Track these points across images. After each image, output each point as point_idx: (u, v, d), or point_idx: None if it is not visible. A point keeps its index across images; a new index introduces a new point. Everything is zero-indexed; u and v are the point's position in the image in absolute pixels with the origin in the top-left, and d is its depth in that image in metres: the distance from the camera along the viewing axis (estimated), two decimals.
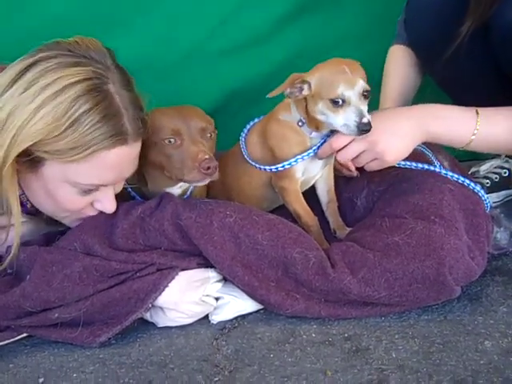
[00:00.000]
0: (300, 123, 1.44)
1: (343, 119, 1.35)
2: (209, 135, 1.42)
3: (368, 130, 1.33)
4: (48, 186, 1.31)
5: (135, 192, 1.53)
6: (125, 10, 2.04)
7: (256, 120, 1.58)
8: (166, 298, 1.31)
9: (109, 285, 1.31)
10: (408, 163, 1.52)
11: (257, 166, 1.50)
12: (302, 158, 1.44)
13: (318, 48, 2.07)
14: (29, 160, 1.26)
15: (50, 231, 1.44)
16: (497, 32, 1.50)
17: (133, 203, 1.43)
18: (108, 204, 1.36)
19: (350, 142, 1.40)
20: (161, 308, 1.33)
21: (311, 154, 1.45)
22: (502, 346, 1.19)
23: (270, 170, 1.47)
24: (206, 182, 1.39)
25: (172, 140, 1.38)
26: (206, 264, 1.36)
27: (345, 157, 1.42)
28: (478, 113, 1.42)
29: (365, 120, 1.33)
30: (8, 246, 1.34)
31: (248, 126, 1.57)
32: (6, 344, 1.33)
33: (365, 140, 1.39)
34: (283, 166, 1.45)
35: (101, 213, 1.40)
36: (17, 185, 1.29)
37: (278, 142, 1.47)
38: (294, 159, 1.44)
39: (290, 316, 1.32)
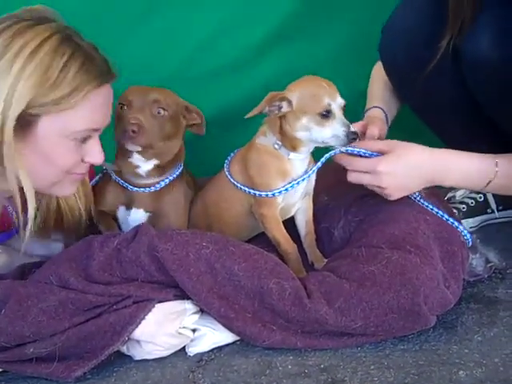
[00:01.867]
0: (276, 145, 1.45)
1: (331, 131, 1.38)
2: (159, 110, 1.49)
3: (355, 139, 1.37)
4: (43, 148, 1.29)
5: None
6: (109, 31, 2.05)
7: (237, 150, 1.59)
8: (142, 330, 1.30)
9: (85, 318, 1.30)
10: None
11: (247, 191, 1.49)
12: (291, 186, 1.46)
13: (299, 73, 2.08)
14: (20, 126, 1.25)
15: (25, 263, 1.43)
16: (467, 56, 1.53)
17: (108, 235, 1.43)
18: (97, 154, 1.37)
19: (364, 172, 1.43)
20: (137, 341, 1.32)
21: (297, 184, 1.47)
22: (475, 376, 1.20)
23: (260, 195, 1.47)
24: (129, 146, 1.49)
25: (124, 106, 1.50)
26: (183, 296, 1.36)
27: (354, 179, 1.45)
28: (496, 164, 1.43)
29: (352, 129, 1.38)
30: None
31: (231, 154, 1.58)
32: None
33: (377, 183, 1.42)
34: (273, 194, 1.46)
35: (76, 246, 1.40)
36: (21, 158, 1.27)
37: (257, 170, 1.48)
38: (283, 188, 1.46)
39: (266, 347, 1.32)
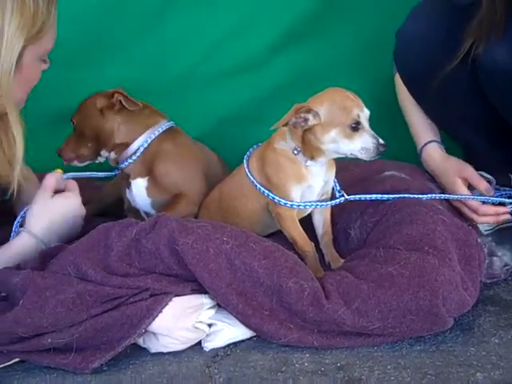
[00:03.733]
0: (295, 151, 1.45)
1: (361, 143, 1.38)
2: (72, 125, 1.69)
3: (384, 152, 1.37)
4: (24, 75, 1.39)
5: None
6: (117, 35, 2.06)
7: (256, 146, 1.59)
8: (159, 323, 1.30)
9: (102, 310, 1.30)
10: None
11: (265, 192, 1.49)
12: (311, 205, 1.48)
13: (309, 76, 2.09)
14: None
15: (45, 250, 1.43)
16: (487, 64, 1.52)
17: (125, 223, 1.42)
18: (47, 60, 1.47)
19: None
20: (154, 334, 1.33)
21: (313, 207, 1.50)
22: (493, 378, 1.19)
23: (279, 201, 1.47)
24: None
25: None
26: (200, 290, 1.36)
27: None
28: None
29: (381, 141, 1.37)
30: None
31: (251, 150, 1.58)
32: None
33: None
34: (291, 205, 1.47)
35: (92, 236, 1.40)
36: None
37: (274, 170, 1.48)
38: (303, 203, 1.47)
39: (283, 345, 1.32)
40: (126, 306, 1.31)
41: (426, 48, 1.64)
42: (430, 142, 1.73)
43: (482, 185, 1.60)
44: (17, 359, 1.31)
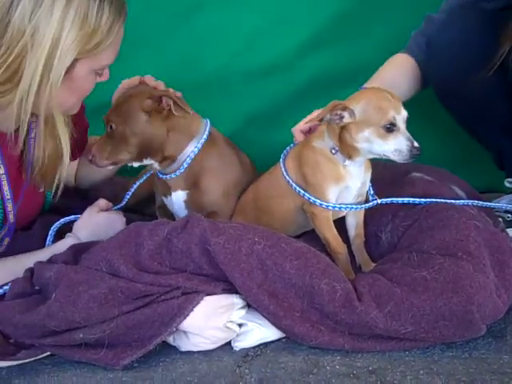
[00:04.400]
0: (333, 150, 1.45)
1: (394, 145, 1.37)
2: (108, 128, 1.54)
3: (418, 155, 1.35)
4: (74, 85, 1.39)
5: None
6: (150, 31, 2.07)
7: (292, 145, 1.58)
8: (190, 322, 1.31)
9: (134, 307, 1.31)
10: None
11: (301, 192, 1.49)
12: (346, 207, 1.48)
13: (339, 76, 2.10)
14: None
15: (76, 245, 1.44)
16: None
17: (157, 223, 1.43)
18: (107, 71, 1.47)
19: None
20: (184, 332, 1.33)
21: (354, 209, 1.49)
22: None
23: (314, 202, 1.47)
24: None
25: None
26: (231, 290, 1.36)
27: None
28: None
29: (416, 144, 1.36)
30: None
31: (288, 148, 1.58)
32: (28, 362, 1.32)
33: None
34: (327, 206, 1.46)
35: (124, 233, 1.41)
36: None
37: (311, 170, 1.47)
38: (338, 205, 1.47)
39: (313, 346, 1.32)
40: (157, 303, 1.31)
41: (461, 56, 1.64)
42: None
43: None
44: (48, 353, 1.32)
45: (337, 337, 1.30)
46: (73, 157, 1.60)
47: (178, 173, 1.59)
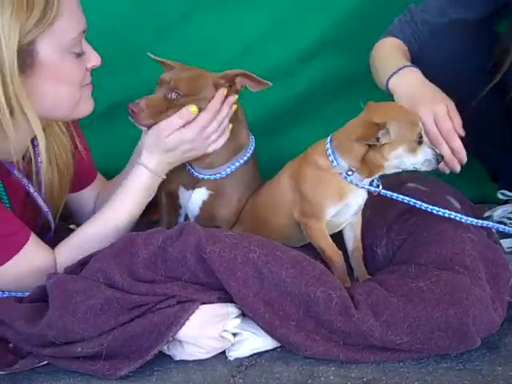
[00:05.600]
0: (349, 173, 1.42)
1: (423, 156, 1.40)
2: (173, 95, 1.47)
3: (441, 161, 1.41)
4: (52, 71, 1.32)
5: None
6: (142, 37, 2.05)
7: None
8: (186, 331, 1.30)
9: (129, 317, 1.30)
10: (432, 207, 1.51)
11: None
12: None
13: (342, 81, 2.08)
14: (22, 61, 1.27)
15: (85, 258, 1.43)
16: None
17: (151, 232, 1.42)
18: (96, 56, 1.40)
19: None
20: (179, 341, 1.32)
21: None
22: None
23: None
24: (136, 125, 1.48)
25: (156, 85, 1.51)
26: (227, 299, 1.35)
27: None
28: None
29: (438, 151, 1.41)
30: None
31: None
32: (22, 371, 1.31)
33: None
34: None
35: (119, 242, 1.41)
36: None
37: (311, 187, 1.46)
38: None
39: (307, 356, 1.32)
40: (153, 313, 1.31)
41: (455, 75, 1.63)
42: (406, 66, 1.62)
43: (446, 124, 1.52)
44: (45, 362, 1.31)
45: (331, 347, 1.30)
46: (83, 183, 1.60)
47: (213, 177, 1.57)
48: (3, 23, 1.23)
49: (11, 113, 1.27)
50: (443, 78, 1.60)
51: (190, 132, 1.47)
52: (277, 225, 1.54)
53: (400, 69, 1.62)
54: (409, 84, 1.57)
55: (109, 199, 1.50)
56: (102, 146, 1.87)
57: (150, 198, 1.53)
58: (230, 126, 1.54)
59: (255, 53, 2.07)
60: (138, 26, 2.05)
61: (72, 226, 1.72)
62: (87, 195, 1.72)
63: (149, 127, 1.49)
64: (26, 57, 1.28)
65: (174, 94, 1.47)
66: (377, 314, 1.29)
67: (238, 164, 1.57)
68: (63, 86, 1.35)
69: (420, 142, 1.40)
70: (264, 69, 2.07)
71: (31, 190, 1.46)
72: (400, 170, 1.44)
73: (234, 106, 1.53)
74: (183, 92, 1.47)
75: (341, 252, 1.49)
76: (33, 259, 1.40)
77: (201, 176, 1.58)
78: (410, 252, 1.45)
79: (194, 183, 1.60)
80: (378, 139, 1.37)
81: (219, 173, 1.57)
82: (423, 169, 1.42)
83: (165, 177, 1.52)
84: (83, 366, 1.28)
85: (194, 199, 1.61)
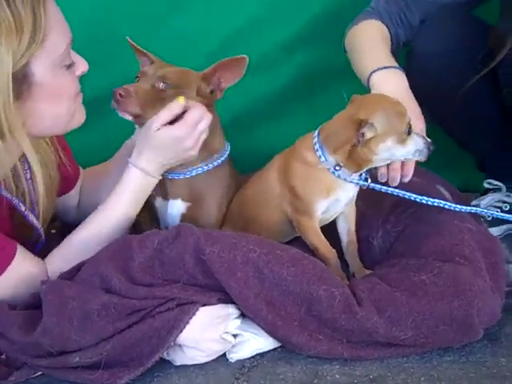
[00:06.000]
0: (337, 167, 1.40)
1: (413, 146, 1.36)
2: (162, 85, 1.43)
3: (433, 150, 1.37)
4: (47, 89, 1.28)
5: None
6: (125, 30, 1.97)
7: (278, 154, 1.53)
8: (186, 335, 1.27)
9: (128, 323, 1.26)
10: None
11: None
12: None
13: (324, 76, 2.06)
14: (18, 86, 1.23)
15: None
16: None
17: (147, 234, 1.38)
18: (83, 62, 1.36)
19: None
20: (179, 346, 1.29)
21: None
22: None
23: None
24: (119, 112, 1.42)
25: (136, 79, 1.47)
26: (226, 300, 1.32)
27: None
28: None
29: (429, 140, 1.37)
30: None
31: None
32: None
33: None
34: None
35: (114, 245, 1.36)
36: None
37: (300, 183, 1.43)
38: None
39: (311, 355, 1.30)
40: (152, 317, 1.27)
41: (449, 67, 1.61)
42: (392, 67, 1.54)
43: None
44: (39, 372, 1.26)
45: (335, 345, 1.28)
46: (68, 187, 1.56)
47: (182, 176, 1.51)
48: None
49: (2, 138, 1.23)
50: (434, 68, 1.59)
51: (179, 129, 1.42)
52: (266, 220, 1.51)
53: (385, 67, 1.55)
54: (390, 89, 1.48)
55: (101, 203, 1.45)
56: (84, 140, 1.82)
57: (144, 200, 1.49)
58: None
59: (239, 44, 2.01)
60: (122, 17, 2.00)
61: (53, 231, 1.67)
62: (72, 196, 1.69)
63: (135, 117, 1.43)
64: (22, 81, 1.24)
65: (162, 84, 1.42)
66: (380, 310, 1.27)
67: (210, 166, 1.53)
68: (60, 102, 1.32)
69: (409, 132, 1.37)
70: (255, 55, 2.04)
71: (22, 208, 1.40)
72: (389, 162, 1.41)
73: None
74: (172, 82, 1.43)
75: (334, 250, 1.47)
76: (23, 272, 1.35)
77: (170, 176, 1.52)
78: (408, 244, 1.44)
79: (166, 191, 1.54)
80: (363, 134, 1.34)
81: (189, 171, 1.51)
82: (415, 159, 1.39)
83: (160, 177, 1.47)
84: (81, 375, 1.24)
85: (172, 213, 1.56)
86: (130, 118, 1.43)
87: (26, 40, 1.21)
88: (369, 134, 1.34)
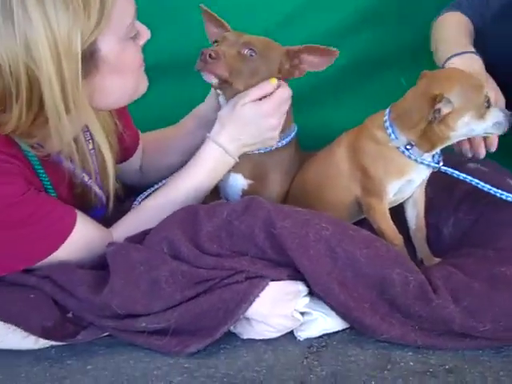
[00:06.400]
0: (408, 146, 1.35)
1: (492, 119, 1.31)
2: (249, 52, 1.37)
3: None
4: (115, 64, 1.22)
5: None
6: (181, 1, 1.96)
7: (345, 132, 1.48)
8: (256, 309, 1.23)
9: (196, 292, 1.23)
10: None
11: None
12: None
13: (373, 62, 2.02)
14: (86, 64, 1.17)
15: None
16: None
17: (214, 205, 1.34)
18: (145, 31, 1.30)
19: None
20: (247, 319, 1.26)
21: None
22: None
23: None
24: (204, 75, 1.35)
25: (216, 43, 1.40)
26: (295, 277, 1.28)
27: None
28: None
29: (508, 111, 1.32)
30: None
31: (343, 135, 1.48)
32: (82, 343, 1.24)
33: None
34: None
35: (181, 212, 1.32)
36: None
37: (372, 162, 1.38)
38: None
39: (382, 340, 1.26)
40: (220, 289, 1.24)
41: None
42: (469, 52, 1.51)
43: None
44: (106, 333, 1.24)
45: (408, 331, 1.24)
46: (128, 154, 1.53)
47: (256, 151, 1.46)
48: (62, 32, 1.12)
49: (67, 113, 1.19)
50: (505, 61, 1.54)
51: (266, 105, 1.38)
52: (332, 200, 1.46)
53: (463, 53, 1.53)
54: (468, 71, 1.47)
55: (174, 175, 1.43)
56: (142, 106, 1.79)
57: (218, 179, 1.45)
58: None
59: (295, 24, 1.98)
60: (147, 11, 1.93)
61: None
62: (133, 161, 1.66)
63: (220, 82, 1.36)
64: (90, 58, 1.18)
65: (247, 50, 1.37)
66: (457, 299, 1.22)
67: (279, 145, 1.48)
68: (127, 75, 1.27)
69: (488, 106, 1.32)
70: (304, 41, 1.99)
71: (85, 178, 1.38)
72: (471, 137, 1.37)
73: None
74: (258, 51, 1.37)
75: (401, 236, 1.42)
76: (86, 238, 1.32)
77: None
78: (484, 235, 1.39)
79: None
80: (439, 110, 1.29)
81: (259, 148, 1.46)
82: (495, 132, 1.35)
83: (237, 159, 1.43)
84: (148, 340, 1.22)
85: (233, 186, 1.51)
86: (215, 81, 1.36)
87: (95, 18, 1.15)
88: (445, 110, 1.29)
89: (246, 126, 1.38)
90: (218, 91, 1.43)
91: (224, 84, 1.37)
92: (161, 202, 1.39)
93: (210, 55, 1.32)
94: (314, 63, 1.44)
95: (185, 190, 1.39)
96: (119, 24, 1.20)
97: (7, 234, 1.24)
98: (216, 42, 1.43)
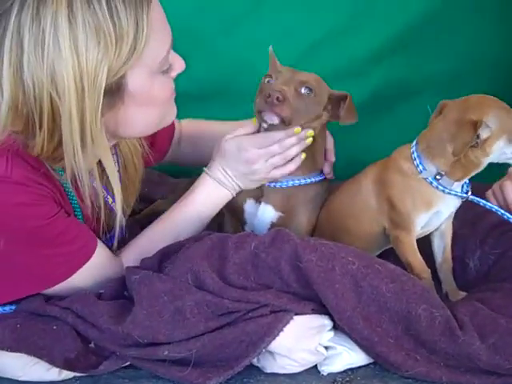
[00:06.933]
0: (438, 176, 1.35)
1: None
2: (306, 90, 1.37)
3: None
4: (141, 98, 1.19)
5: None
6: (207, 29, 1.99)
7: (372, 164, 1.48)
8: (280, 343, 1.23)
9: (220, 323, 1.24)
10: None
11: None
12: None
13: (408, 88, 2.02)
14: (110, 97, 1.15)
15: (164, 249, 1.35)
16: None
17: (242, 236, 1.35)
18: (181, 62, 1.26)
19: None
20: (270, 353, 1.25)
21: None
22: None
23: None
24: (267, 116, 1.35)
25: (270, 79, 1.39)
26: (320, 310, 1.28)
27: None
28: None
29: None
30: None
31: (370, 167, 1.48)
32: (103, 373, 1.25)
33: None
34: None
35: (208, 243, 1.33)
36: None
37: (400, 195, 1.37)
38: None
39: (407, 376, 1.24)
40: (244, 321, 1.24)
41: None
42: None
43: None
44: (127, 363, 1.24)
45: (433, 368, 1.23)
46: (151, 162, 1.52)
47: (278, 185, 1.46)
48: (89, 66, 1.10)
49: (83, 148, 1.17)
50: None
51: (252, 140, 1.39)
52: (358, 232, 1.46)
53: None
54: None
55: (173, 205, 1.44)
56: None
57: (217, 211, 1.46)
58: (303, 155, 1.44)
59: (325, 50, 1.99)
60: (197, 21, 1.97)
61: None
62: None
63: (281, 122, 1.35)
64: (115, 92, 1.15)
65: (304, 89, 1.37)
66: (483, 336, 1.21)
67: (308, 181, 1.48)
68: (155, 107, 1.24)
69: None
70: (333, 68, 2.00)
71: (109, 199, 1.38)
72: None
73: (310, 140, 1.42)
74: (314, 89, 1.37)
75: (429, 270, 1.41)
76: (101, 265, 1.33)
77: (273, 185, 1.47)
78: (511, 269, 1.38)
79: (261, 194, 1.49)
80: (478, 136, 1.30)
81: (286, 181, 1.46)
82: None
83: (234, 193, 1.44)
84: (170, 370, 1.22)
85: (262, 218, 1.50)
86: (277, 122, 1.35)
87: (125, 53, 1.12)
88: (484, 135, 1.30)
89: (228, 158, 1.40)
90: (265, 125, 1.41)
91: (282, 124, 1.36)
92: (169, 225, 1.42)
93: (277, 98, 1.31)
94: (342, 116, 1.43)
95: (189, 214, 1.41)
96: (152, 59, 1.17)
97: (32, 254, 1.24)
98: (268, 76, 1.41)
